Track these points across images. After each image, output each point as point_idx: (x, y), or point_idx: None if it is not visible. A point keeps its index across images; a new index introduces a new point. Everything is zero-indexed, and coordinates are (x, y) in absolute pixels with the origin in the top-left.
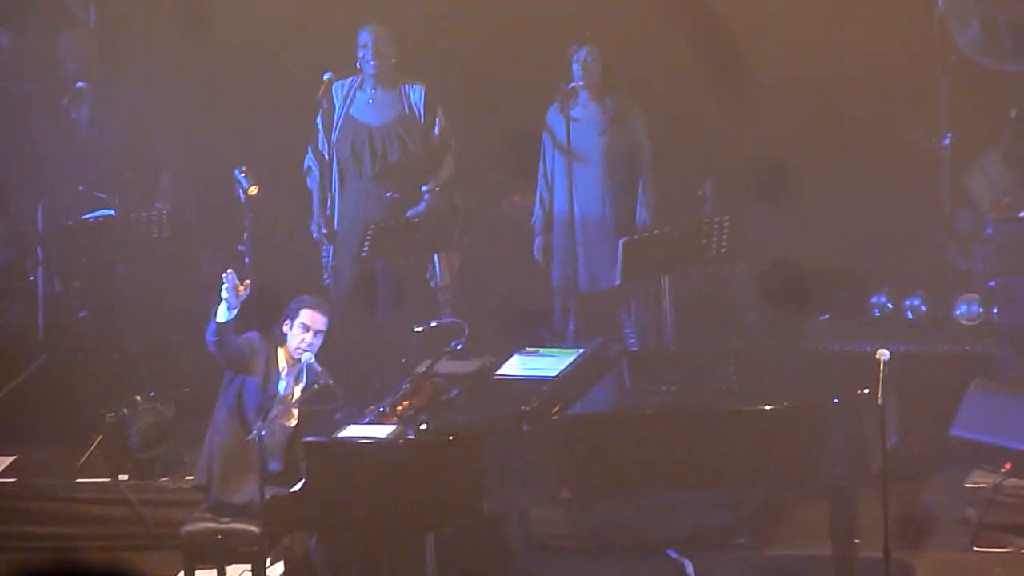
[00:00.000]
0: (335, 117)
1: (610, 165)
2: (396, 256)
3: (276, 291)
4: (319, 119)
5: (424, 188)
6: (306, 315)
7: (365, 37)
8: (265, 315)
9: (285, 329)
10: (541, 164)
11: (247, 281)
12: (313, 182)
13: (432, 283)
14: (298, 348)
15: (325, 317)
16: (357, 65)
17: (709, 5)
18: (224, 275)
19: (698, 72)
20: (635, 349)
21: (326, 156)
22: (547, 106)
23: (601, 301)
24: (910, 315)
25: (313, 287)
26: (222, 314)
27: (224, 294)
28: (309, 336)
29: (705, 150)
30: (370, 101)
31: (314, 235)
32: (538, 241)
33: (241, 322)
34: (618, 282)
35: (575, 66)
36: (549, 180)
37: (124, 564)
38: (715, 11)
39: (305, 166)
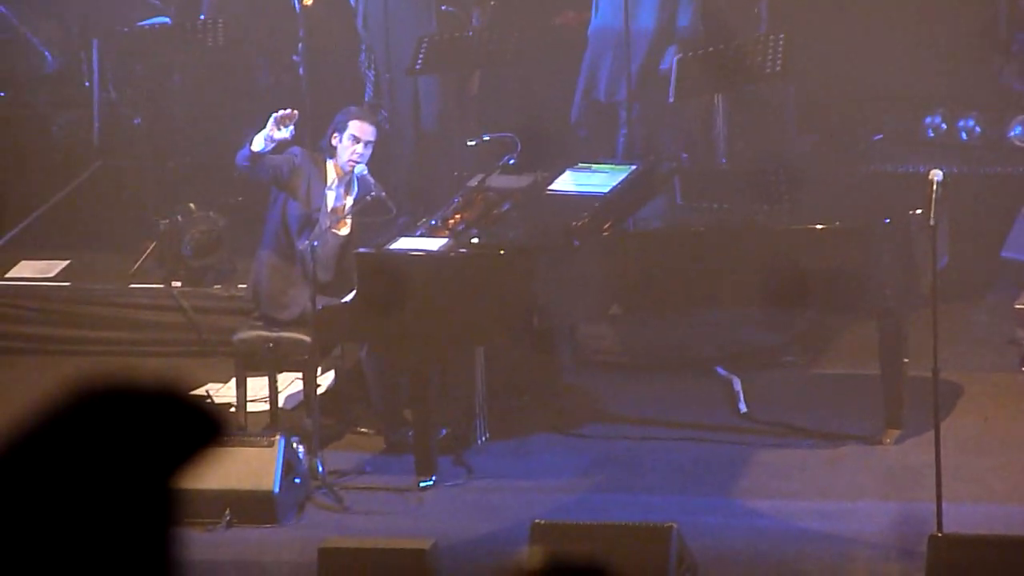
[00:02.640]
0: None
1: None
2: (450, 70)
3: (328, 103)
4: None
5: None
6: (355, 126)
7: None
8: (316, 127)
9: (334, 141)
10: None
11: (295, 115)
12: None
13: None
14: (349, 160)
15: (374, 128)
16: None
17: None
18: (278, 114)
19: None
20: (687, 166)
21: None
22: None
23: (654, 117)
24: (964, 136)
25: (363, 100)
26: (258, 143)
27: (268, 130)
28: (360, 147)
29: None
30: None
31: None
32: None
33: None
34: (672, 99)
35: None
36: None
37: (175, 371)
38: None
39: None
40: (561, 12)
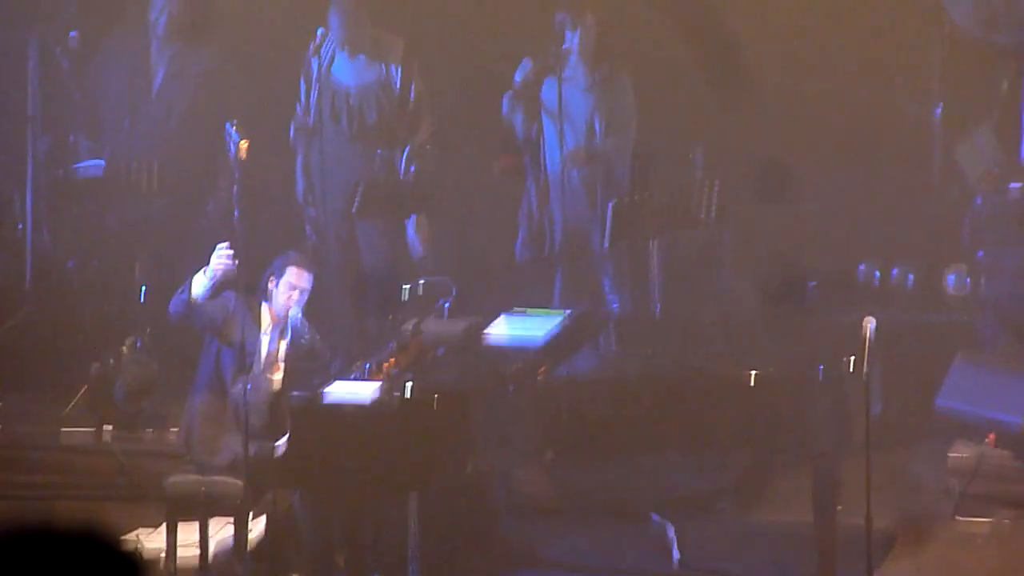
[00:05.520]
0: (314, 76)
1: (592, 125)
2: (386, 214)
3: (263, 247)
4: (301, 77)
5: (407, 149)
6: (292, 272)
7: (333, 17)
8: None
9: (270, 286)
10: (528, 124)
11: (235, 260)
12: (296, 140)
13: (413, 255)
14: (284, 306)
15: (310, 274)
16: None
17: None
18: (219, 247)
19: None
20: (621, 313)
21: (308, 114)
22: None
23: (586, 264)
24: (897, 285)
25: (300, 244)
26: (198, 286)
27: (212, 266)
28: (295, 294)
29: (695, 118)
30: (348, 61)
31: (300, 189)
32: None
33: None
34: (606, 245)
35: (568, 34)
36: (535, 140)
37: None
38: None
39: (291, 126)
40: (499, 156)
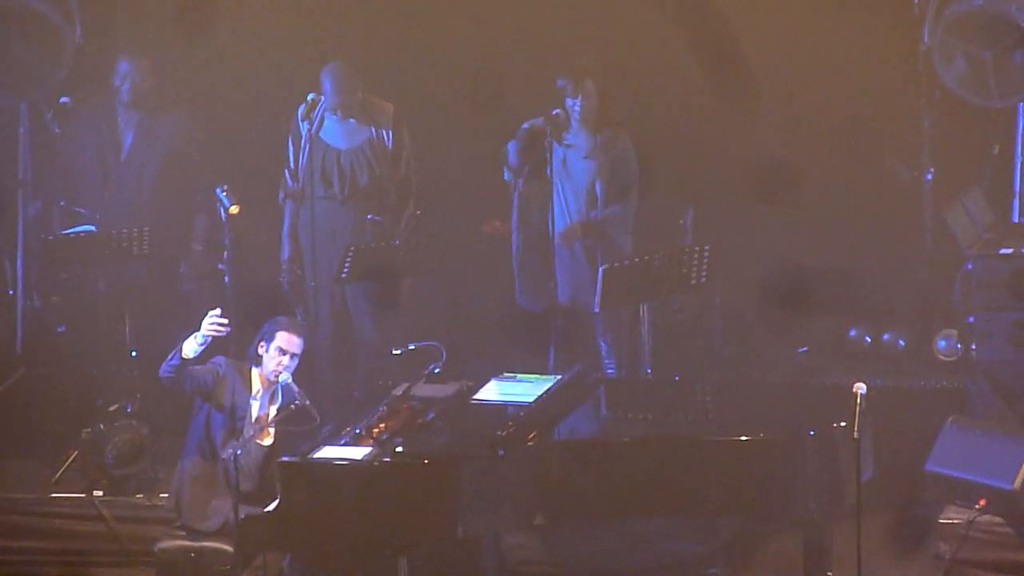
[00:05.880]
0: (303, 139)
1: (594, 190)
2: (375, 278)
3: (253, 312)
4: (290, 140)
5: (399, 214)
6: (282, 337)
7: (326, 82)
8: (241, 336)
9: (260, 351)
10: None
11: (226, 323)
12: (284, 204)
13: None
14: (274, 371)
15: (301, 339)
16: (322, 99)
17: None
18: (213, 313)
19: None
20: (612, 376)
21: (297, 179)
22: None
23: (580, 327)
24: (888, 349)
25: (290, 308)
26: (189, 349)
27: (203, 331)
28: (285, 359)
29: (687, 179)
30: (339, 124)
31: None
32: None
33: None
34: (597, 309)
35: (570, 101)
36: (529, 203)
37: None
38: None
39: (280, 192)
40: (487, 220)
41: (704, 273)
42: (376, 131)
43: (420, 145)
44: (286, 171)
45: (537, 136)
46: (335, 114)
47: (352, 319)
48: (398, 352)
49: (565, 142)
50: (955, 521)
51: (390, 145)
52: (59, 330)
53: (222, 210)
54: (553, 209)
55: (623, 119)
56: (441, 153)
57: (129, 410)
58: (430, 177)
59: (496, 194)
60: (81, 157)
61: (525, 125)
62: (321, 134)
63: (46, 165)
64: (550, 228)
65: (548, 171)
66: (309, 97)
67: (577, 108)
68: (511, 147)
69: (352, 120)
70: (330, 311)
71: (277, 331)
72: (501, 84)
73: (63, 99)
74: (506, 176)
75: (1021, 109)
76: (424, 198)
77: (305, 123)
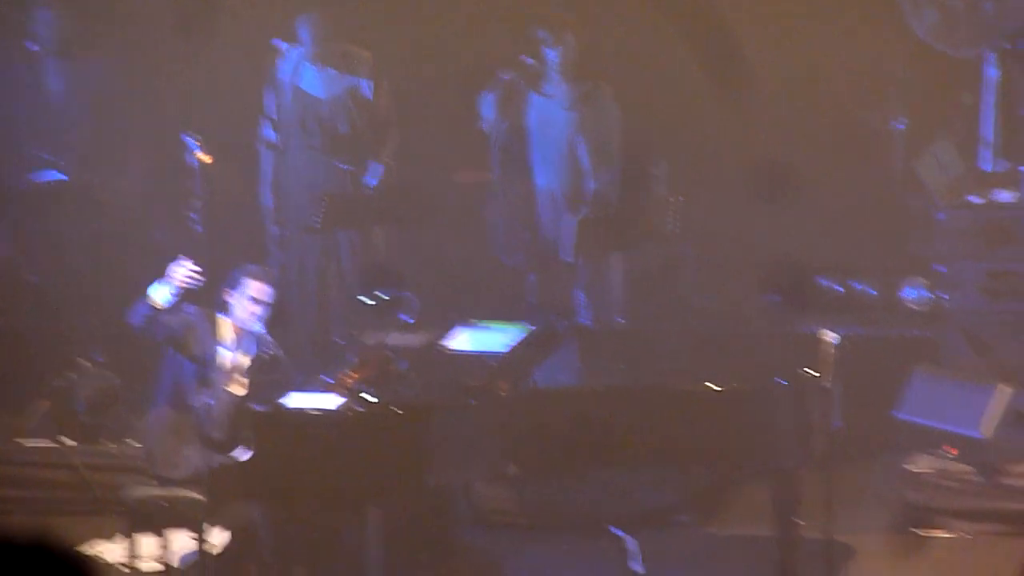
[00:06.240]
0: (284, 88)
1: (577, 142)
2: (349, 227)
3: (225, 260)
4: (268, 89)
5: (374, 162)
6: (252, 286)
7: (303, 31)
8: (213, 284)
9: (231, 300)
10: (499, 138)
11: (199, 272)
12: (267, 152)
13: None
14: (245, 319)
15: (271, 287)
16: (299, 48)
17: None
18: (180, 262)
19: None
20: (586, 326)
21: (276, 128)
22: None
23: (555, 277)
24: (859, 298)
25: (262, 256)
26: (161, 298)
27: (175, 280)
28: (257, 308)
29: (661, 131)
30: (318, 74)
31: (265, 202)
32: (492, 214)
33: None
34: (570, 259)
35: (549, 51)
36: (508, 154)
37: (65, 529)
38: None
39: (260, 136)
40: (462, 169)
41: (678, 223)
42: (357, 81)
43: (400, 92)
44: (266, 120)
45: (515, 89)
46: (314, 64)
47: (333, 268)
48: (370, 302)
49: (544, 92)
50: (925, 469)
51: (370, 96)
52: (31, 280)
53: (193, 159)
54: (531, 160)
55: (603, 73)
56: (416, 101)
57: (100, 359)
58: (404, 125)
59: (471, 143)
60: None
61: (505, 76)
62: (301, 83)
63: (14, 110)
64: (533, 181)
65: (525, 122)
66: (284, 47)
67: (557, 59)
68: (486, 99)
69: (332, 70)
70: (303, 260)
71: (248, 279)
72: (473, 29)
73: (32, 47)
74: (483, 126)
75: (992, 58)
76: (399, 147)
77: (283, 72)
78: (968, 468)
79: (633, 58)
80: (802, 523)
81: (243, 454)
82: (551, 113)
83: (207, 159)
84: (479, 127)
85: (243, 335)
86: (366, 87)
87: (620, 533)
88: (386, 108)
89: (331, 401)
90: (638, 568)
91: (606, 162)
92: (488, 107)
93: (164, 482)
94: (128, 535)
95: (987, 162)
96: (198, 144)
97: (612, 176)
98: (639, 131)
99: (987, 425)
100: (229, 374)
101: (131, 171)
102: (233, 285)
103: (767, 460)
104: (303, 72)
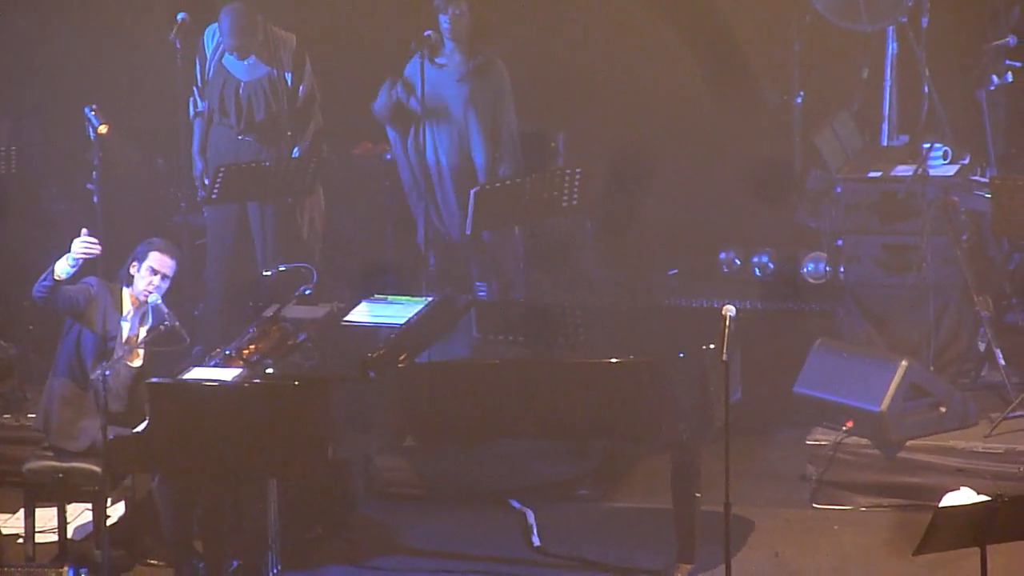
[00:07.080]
0: (207, 63)
1: (469, 114)
2: (246, 199)
3: (123, 231)
4: (197, 60)
5: (296, 150)
6: (155, 258)
7: (223, 21)
8: (111, 256)
9: (132, 271)
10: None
11: (96, 243)
12: (195, 123)
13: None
14: (145, 291)
15: (174, 261)
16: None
17: None
18: (83, 233)
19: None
20: (483, 300)
21: (204, 96)
22: (405, 52)
23: (455, 250)
24: (757, 272)
25: (159, 228)
26: (61, 270)
27: (74, 251)
28: (157, 279)
29: (559, 104)
30: (239, 60)
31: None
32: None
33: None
34: (468, 231)
35: (442, 17)
36: (404, 126)
37: None
38: None
39: (191, 108)
40: (359, 143)
41: (576, 197)
42: (277, 70)
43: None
44: (194, 88)
45: (406, 111)
46: (232, 54)
47: (224, 240)
48: (268, 273)
49: (437, 62)
50: (822, 443)
51: (291, 82)
52: None
53: (91, 130)
54: (423, 138)
55: (497, 45)
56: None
57: None
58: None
59: (368, 117)
60: None
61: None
62: (224, 61)
63: None
64: (426, 154)
65: (416, 98)
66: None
67: (447, 24)
68: (381, 99)
69: (252, 57)
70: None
71: (150, 251)
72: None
73: None
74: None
75: (890, 33)
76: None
77: (211, 46)
78: (865, 441)
79: (531, 28)
80: (700, 496)
81: (141, 426)
82: (444, 87)
83: (105, 130)
84: (377, 102)
85: (142, 307)
86: (287, 75)
87: (518, 505)
88: (308, 92)
89: (229, 373)
90: (536, 541)
91: (498, 135)
92: (379, 108)
93: (61, 454)
94: (24, 507)
95: (885, 136)
96: (97, 117)
97: (506, 149)
98: (536, 103)
99: (884, 399)
100: (127, 346)
101: (34, 141)
102: (135, 257)
103: (666, 433)
104: (225, 52)
